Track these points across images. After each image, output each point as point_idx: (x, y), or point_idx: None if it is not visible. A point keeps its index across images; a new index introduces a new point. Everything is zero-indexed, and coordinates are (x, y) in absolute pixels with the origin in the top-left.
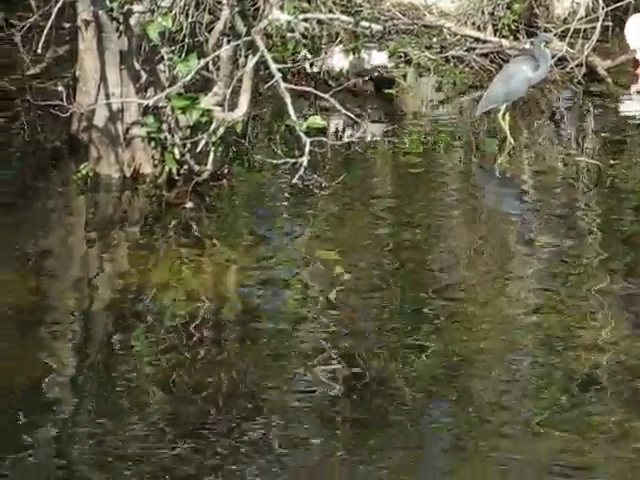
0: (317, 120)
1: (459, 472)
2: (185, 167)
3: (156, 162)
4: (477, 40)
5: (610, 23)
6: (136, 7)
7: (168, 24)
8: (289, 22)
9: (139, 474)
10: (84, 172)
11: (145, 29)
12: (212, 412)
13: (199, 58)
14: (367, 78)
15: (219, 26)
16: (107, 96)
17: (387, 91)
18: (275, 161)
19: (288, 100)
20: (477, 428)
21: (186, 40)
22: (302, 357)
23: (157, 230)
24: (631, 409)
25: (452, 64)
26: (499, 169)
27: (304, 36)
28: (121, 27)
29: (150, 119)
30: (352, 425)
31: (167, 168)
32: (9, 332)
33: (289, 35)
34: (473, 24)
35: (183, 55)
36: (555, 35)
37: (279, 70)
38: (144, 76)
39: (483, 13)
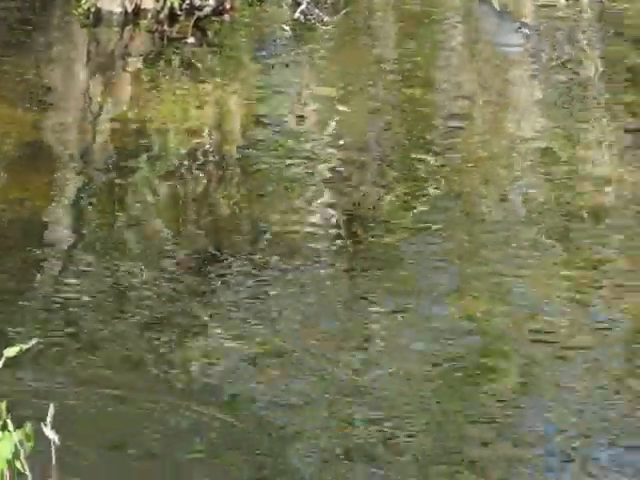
0: None
1: (451, 291)
2: (187, 2)
3: None
4: None
5: None
6: None
7: None
8: None
9: (140, 300)
10: (85, 7)
11: None
12: (213, 241)
13: None
14: None
15: None
16: None
17: None
18: None
19: None
20: (472, 245)
21: None
22: (300, 188)
23: (159, 65)
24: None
25: None
26: (499, 4)
27: None
28: None
29: None
30: (349, 248)
31: (169, 3)
32: (13, 165)
33: None
34: None
35: None
36: None
37: None
38: None
39: None
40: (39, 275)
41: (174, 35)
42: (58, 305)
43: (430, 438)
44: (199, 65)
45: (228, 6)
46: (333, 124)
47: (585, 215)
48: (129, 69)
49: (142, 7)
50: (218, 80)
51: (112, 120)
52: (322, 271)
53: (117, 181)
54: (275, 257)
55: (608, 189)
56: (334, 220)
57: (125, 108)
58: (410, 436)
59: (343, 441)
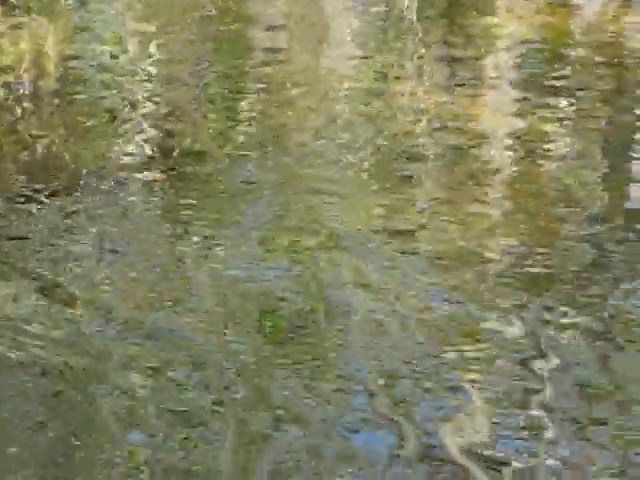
0: None
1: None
2: None
3: None
4: None
5: None
6: None
7: None
8: None
9: None
10: None
11: None
12: (29, 177)
13: None
14: None
15: None
16: None
17: None
18: None
19: None
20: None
21: None
22: (117, 120)
23: None
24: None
25: None
26: None
27: None
28: None
29: None
30: (166, 178)
31: None
32: None
33: None
34: None
35: None
36: None
37: None
38: None
39: None
40: None
41: None
42: None
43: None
44: (15, 1)
45: None
46: (149, 57)
47: (399, 142)
48: None
49: None
50: (35, 17)
51: None
52: (137, 201)
53: None
54: (90, 188)
55: (421, 116)
56: (151, 150)
57: None
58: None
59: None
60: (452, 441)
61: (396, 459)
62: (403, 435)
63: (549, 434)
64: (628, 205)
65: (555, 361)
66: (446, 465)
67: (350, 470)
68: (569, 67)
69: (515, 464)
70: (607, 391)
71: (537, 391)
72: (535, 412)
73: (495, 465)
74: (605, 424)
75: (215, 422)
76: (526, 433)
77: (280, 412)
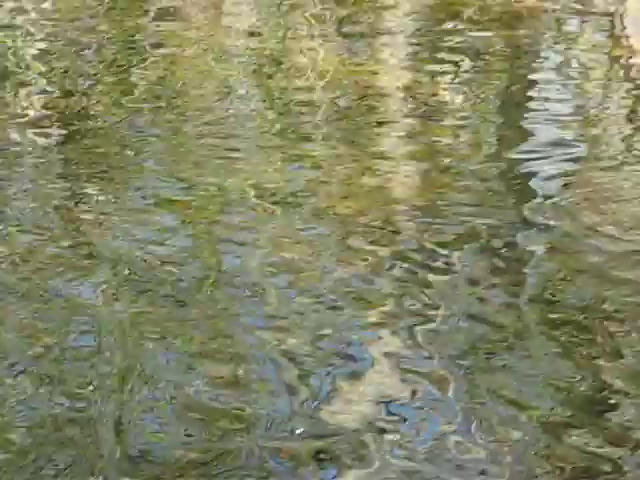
0: None
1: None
2: None
3: None
4: None
5: None
6: None
7: None
8: None
9: None
10: None
11: None
12: None
13: None
14: None
15: None
16: None
17: None
18: None
19: None
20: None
21: None
22: (13, 82)
23: None
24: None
25: None
26: None
27: None
28: None
29: None
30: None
31: None
32: None
33: None
34: None
35: None
36: None
37: None
38: None
39: None
40: None
41: None
42: None
43: None
44: None
45: None
46: (43, 16)
47: (293, 97)
48: None
49: None
50: None
51: None
52: (32, 158)
53: None
54: None
55: (315, 72)
56: (45, 109)
57: None
58: None
59: None
60: None
61: None
62: None
63: None
64: (517, 156)
65: None
66: None
67: None
68: (465, 24)
69: None
70: None
71: None
72: None
73: None
74: None
75: None
76: None
77: None
